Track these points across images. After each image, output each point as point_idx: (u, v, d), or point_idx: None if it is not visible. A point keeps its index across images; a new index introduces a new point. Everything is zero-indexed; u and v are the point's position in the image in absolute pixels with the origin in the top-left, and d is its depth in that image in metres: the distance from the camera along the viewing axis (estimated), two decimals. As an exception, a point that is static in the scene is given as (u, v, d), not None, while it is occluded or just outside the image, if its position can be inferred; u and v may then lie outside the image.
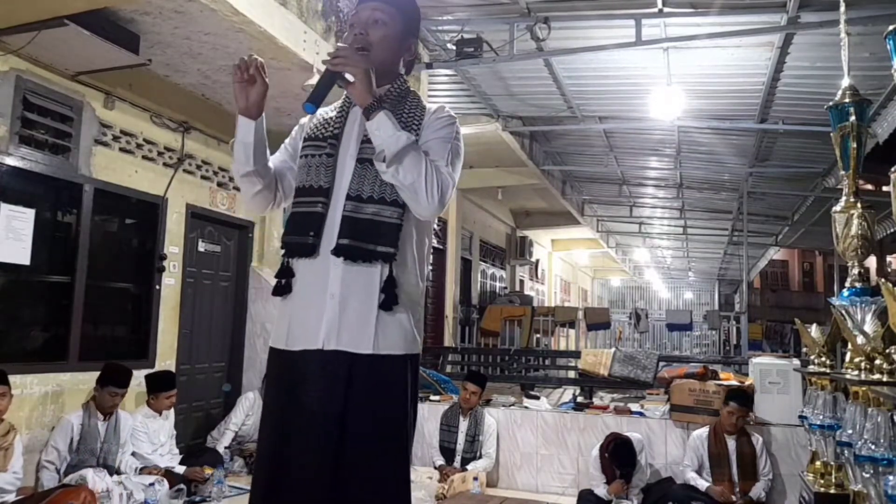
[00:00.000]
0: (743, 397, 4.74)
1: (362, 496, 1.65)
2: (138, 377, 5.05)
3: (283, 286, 1.78)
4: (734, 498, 4.53)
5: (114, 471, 4.43)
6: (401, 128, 1.69)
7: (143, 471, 4.53)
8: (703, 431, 4.76)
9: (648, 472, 4.88)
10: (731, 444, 4.64)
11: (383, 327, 1.70)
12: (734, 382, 5.20)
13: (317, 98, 1.70)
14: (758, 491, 4.58)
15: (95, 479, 4.12)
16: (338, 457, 1.65)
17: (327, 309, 1.70)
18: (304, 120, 1.94)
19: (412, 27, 1.90)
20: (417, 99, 1.86)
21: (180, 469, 4.81)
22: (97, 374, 4.77)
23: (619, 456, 4.67)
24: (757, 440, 4.72)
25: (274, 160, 1.91)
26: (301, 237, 1.75)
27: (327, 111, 1.89)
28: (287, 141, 1.97)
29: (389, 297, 1.69)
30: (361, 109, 1.71)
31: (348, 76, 1.68)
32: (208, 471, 4.77)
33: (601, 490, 4.72)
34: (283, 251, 1.82)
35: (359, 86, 1.68)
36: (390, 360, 1.70)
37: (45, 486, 4.14)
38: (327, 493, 1.64)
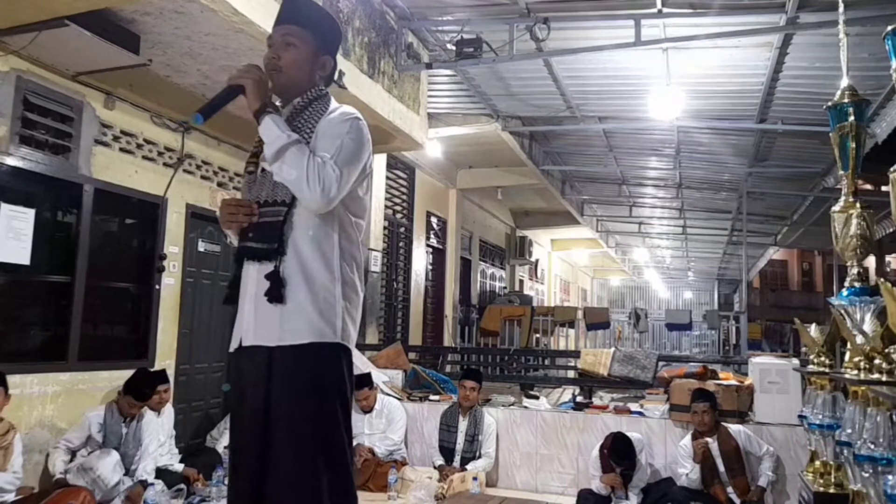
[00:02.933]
0: (704, 395, 4.77)
1: (275, 488, 1.78)
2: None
3: (230, 296, 1.97)
4: (733, 499, 4.53)
5: (129, 472, 4.46)
6: (289, 129, 1.84)
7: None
8: (686, 440, 4.77)
9: (648, 472, 4.88)
10: (713, 445, 4.62)
11: (286, 318, 1.82)
12: (733, 382, 5.21)
13: (206, 110, 1.88)
14: (764, 479, 4.58)
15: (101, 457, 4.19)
16: (264, 445, 1.79)
17: (246, 308, 1.89)
18: None
19: (325, 45, 2.03)
20: (323, 105, 1.98)
21: (179, 468, 4.82)
22: (97, 373, 4.79)
23: (618, 451, 4.68)
24: (738, 431, 4.72)
25: None
26: (236, 250, 1.98)
27: None
28: None
29: (271, 290, 1.82)
30: (252, 115, 1.87)
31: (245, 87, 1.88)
32: (203, 482, 4.76)
33: (597, 484, 4.73)
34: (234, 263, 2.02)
35: (249, 94, 1.87)
36: (297, 350, 1.81)
37: (55, 467, 4.18)
38: (258, 484, 1.80)
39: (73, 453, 4.32)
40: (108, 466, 4.18)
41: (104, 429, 4.41)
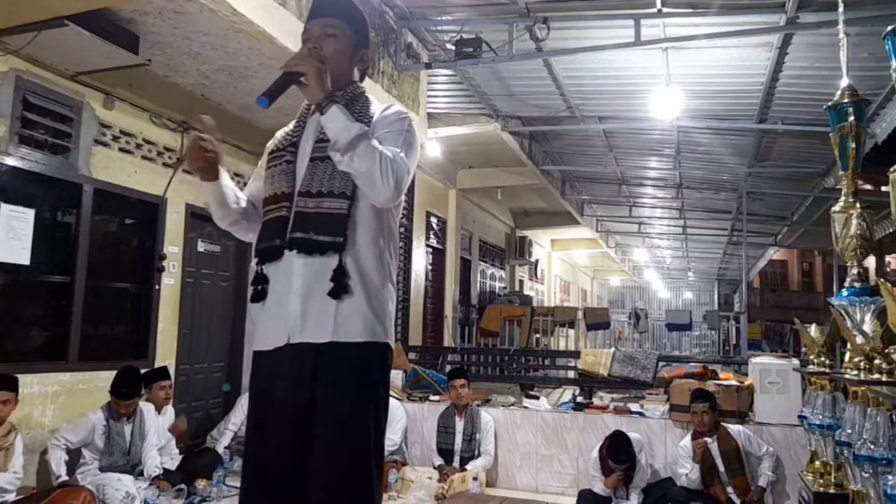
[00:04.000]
0: (704, 395, 4.77)
1: (323, 483, 1.72)
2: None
3: (260, 292, 1.85)
4: (734, 499, 4.53)
5: (139, 471, 4.47)
6: (354, 119, 1.77)
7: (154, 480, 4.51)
8: (686, 440, 4.77)
9: (649, 473, 4.88)
10: (713, 445, 4.61)
11: (342, 315, 1.76)
12: (734, 382, 5.21)
13: (270, 93, 1.77)
14: (764, 480, 4.59)
15: (116, 487, 4.16)
16: (305, 446, 1.72)
17: (291, 304, 1.78)
18: (270, 143, 2.02)
19: (362, 39, 2.00)
20: (368, 101, 1.95)
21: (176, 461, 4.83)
22: (97, 373, 4.79)
23: (616, 451, 4.68)
24: (738, 432, 4.72)
25: (249, 190, 2.04)
26: (269, 242, 1.84)
27: (288, 126, 1.99)
28: (256, 169, 2.07)
29: (338, 286, 1.75)
30: (314, 105, 1.79)
31: (302, 77, 1.77)
32: (204, 483, 4.72)
33: (599, 486, 4.73)
34: (255, 259, 1.89)
35: (312, 83, 1.76)
36: (351, 348, 1.76)
37: (53, 463, 4.16)
38: (296, 482, 1.73)
39: (69, 453, 4.30)
40: (119, 496, 4.13)
41: (108, 431, 4.39)
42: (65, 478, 4.15)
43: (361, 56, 1.99)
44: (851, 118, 2.66)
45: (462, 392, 5.42)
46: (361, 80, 2.02)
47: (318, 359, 1.74)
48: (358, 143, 1.72)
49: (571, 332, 13.30)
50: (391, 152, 1.76)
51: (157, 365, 5.32)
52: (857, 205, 2.66)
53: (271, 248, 1.83)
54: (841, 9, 2.93)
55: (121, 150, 5.10)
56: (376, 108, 1.94)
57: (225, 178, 1.93)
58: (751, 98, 6.64)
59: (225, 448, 5.52)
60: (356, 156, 1.72)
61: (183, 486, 4.56)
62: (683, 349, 15.63)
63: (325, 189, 1.80)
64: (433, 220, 10.17)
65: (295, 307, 1.77)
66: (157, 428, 4.81)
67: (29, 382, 4.34)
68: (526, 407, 5.74)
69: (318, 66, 1.77)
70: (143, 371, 4.98)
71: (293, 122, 1.99)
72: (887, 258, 18.87)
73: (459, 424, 5.42)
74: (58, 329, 4.71)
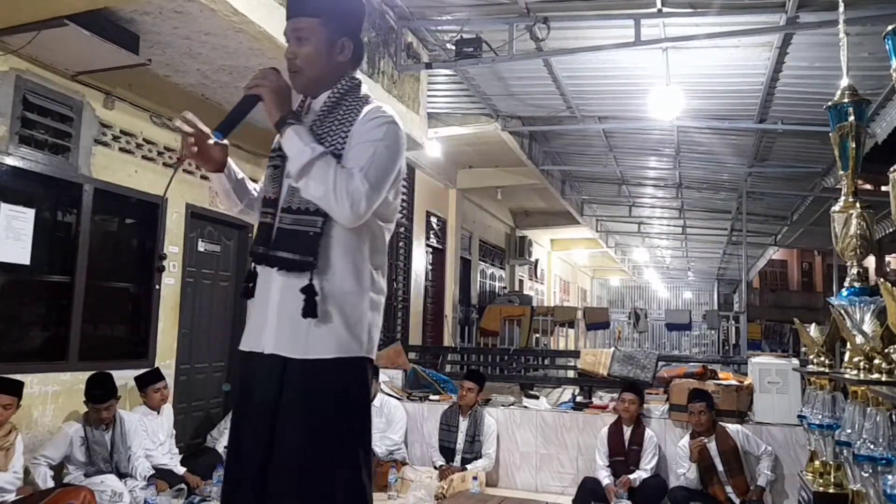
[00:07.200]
0: (701, 395, 4.80)
1: (283, 496, 1.70)
2: (129, 378, 5.02)
3: (248, 290, 1.88)
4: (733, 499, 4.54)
5: (128, 475, 4.44)
6: (314, 140, 1.74)
7: (151, 479, 4.49)
8: (685, 440, 4.79)
9: (655, 461, 4.91)
10: (712, 445, 4.63)
11: (313, 332, 1.74)
12: (733, 382, 5.21)
13: (224, 125, 1.80)
14: (763, 479, 4.60)
15: (101, 489, 4.13)
16: (268, 455, 1.73)
17: (269, 315, 1.80)
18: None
19: (343, 28, 1.88)
20: (356, 101, 1.86)
21: (180, 470, 4.81)
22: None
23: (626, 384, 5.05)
24: (737, 431, 4.73)
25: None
26: (256, 247, 1.86)
27: None
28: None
29: (308, 305, 1.73)
30: (273, 126, 1.77)
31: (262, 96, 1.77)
32: (204, 484, 4.71)
33: (603, 475, 4.86)
34: (250, 257, 1.92)
35: (267, 103, 1.76)
36: (321, 364, 1.74)
37: (39, 481, 4.12)
38: (260, 489, 1.73)
39: (53, 468, 4.24)
40: (105, 497, 4.10)
41: (86, 442, 4.32)
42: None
43: (341, 46, 1.86)
44: (851, 118, 2.66)
45: (468, 396, 5.46)
46: (356, 65, 1.93)
47: (286, 372, 1.75)
48: (311, 166, 1.70)
49: (571, 331, 13.31)
50: (350, 171, 1.71)
51: (157, 365, 5.32)
52: (857, 205, 2.66)
53: (257, 253, 1.86)
54: (841, 8, 2.93)
55: (121, 149, 5.10)
56: (366, 108, 1.84)
57: (228, 169, 1.94)
58: (751, 98, 6.65)
59: (225, 448, 5.51)
60: (310, 181, 1.70)
61: (183, 485, 4.56)
62: (683, 349, 15.62)
63: (302, 206, 1.78)
64: (433, 219, 10.17)
65: (272, 319, 1.79)
66: (153, 430, 4.80)
67: (29, 382, 4.33)
68: (526, 406, 5.75)
69: (272, 86, 1.77)
70: (136, 375, 4.97)
71: None
72: (887, 258, 18.89)
73: (463, 424, 5.44)
74: (58, 329, 4.71)
